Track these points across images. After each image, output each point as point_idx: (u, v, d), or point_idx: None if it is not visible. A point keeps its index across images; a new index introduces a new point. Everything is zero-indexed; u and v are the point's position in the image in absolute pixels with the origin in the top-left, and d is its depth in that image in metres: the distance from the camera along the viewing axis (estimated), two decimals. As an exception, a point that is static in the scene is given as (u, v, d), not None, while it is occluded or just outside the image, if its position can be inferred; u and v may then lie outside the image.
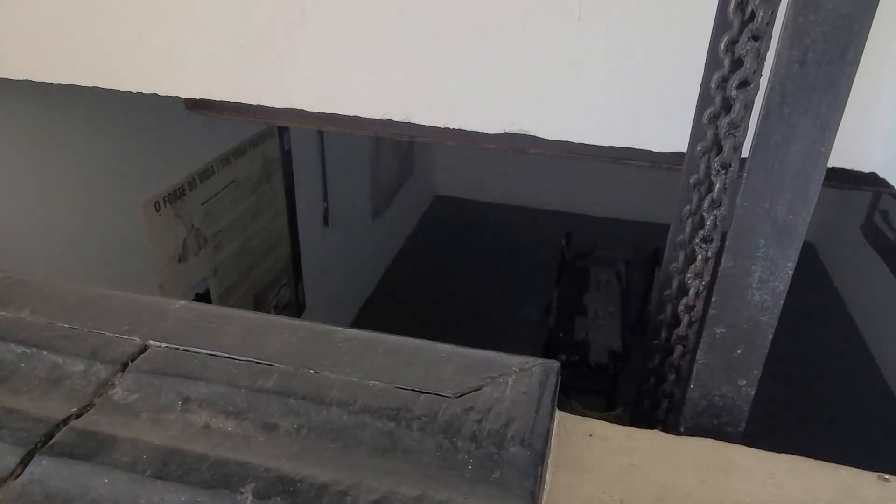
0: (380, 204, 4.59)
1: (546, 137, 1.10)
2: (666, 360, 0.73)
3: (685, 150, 0.83)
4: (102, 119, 1.91)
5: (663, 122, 1.00)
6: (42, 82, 1.31)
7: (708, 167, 0.78)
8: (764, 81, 0.61)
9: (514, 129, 1.10)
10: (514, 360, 0.65)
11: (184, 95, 1.30)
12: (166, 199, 2.33)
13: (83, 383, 0.61)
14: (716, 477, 0.61)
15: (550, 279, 4.09)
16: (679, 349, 0.75)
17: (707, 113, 0.77)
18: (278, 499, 0.50)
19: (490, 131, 1.11)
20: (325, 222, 3.73)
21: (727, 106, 0.74)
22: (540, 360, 0.65)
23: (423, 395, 0.60)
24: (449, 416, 0.58)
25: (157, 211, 2.28)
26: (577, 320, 3.48)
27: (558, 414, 0.66)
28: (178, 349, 0.66)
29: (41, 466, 0.53)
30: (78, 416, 0.58)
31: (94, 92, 1.29)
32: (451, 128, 1.13)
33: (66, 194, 1.80)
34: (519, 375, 0.63)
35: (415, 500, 0.50)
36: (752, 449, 0.64)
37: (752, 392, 0.65)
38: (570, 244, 4.12)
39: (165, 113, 2.15)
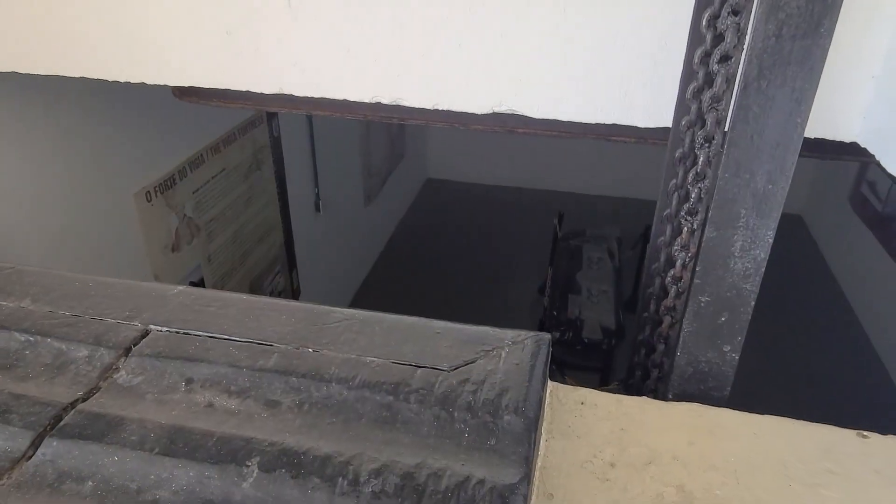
0: (371, 189, 4.59)
1: (534, 116, 1.11)
2: (655, 331, 0.76)
3: (670, 126, 0.84)
4: (91, 111, 1.91)
5: (648, 99, 1.02)
6: (29, 74, 1.31)
7: (692, 141, 0.80)
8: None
9: (501, 108, 1.11)
10: (507, 334, 0.67)
11: (171, 84, 1.30)
12: (157, 188, 2.33)
13: (88, 368, 0.63)
14: (703, 438, 0.64)
15: (544, 259, 4.11)
16: (668, 320, 0.77)
17: (690, 88, 0.79)
18: (283, 471, 0.52)
19: (478, 111, 1.12)
20: (318, 208, 3.74)
21: (710, 81, 0.75)
22: (532, 333, 0.67)
23: (419, 370, 0.62)
24: (445, 388, 0.60)
25: (149, 201, 2.28)
26: (571, 298, 3.51)
27: (550, 384, 0.68)
28: (178, 332, 0.67)
29: (52, 448, 0.55)
30: (85, 399, 0.59)
31: (82, 83, 1.29)
32: (440, 109, 1.14)
33: (56, 187, 1.80)
34: (511, 348, 0.65)
35: (414, 468, 0.53)
36: (737, 411, 0.66)
37: (737, 357, 0.67)
38: (562, 223, 4.15)
39: (154, 102, 2.14)
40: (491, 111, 1.12)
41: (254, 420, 0.57)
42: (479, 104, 1.11)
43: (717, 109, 0.73)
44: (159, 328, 0.68)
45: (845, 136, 0.98)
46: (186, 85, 1.28)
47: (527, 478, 0.52)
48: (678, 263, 0.81)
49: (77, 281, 0.75)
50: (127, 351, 0.65)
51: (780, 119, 0.57)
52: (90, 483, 0.51)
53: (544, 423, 0.64)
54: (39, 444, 0.55)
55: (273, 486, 0.51)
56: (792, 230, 5.28)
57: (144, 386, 0.61)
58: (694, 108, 0.78)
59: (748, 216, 0.61)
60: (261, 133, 3.11)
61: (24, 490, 0.51)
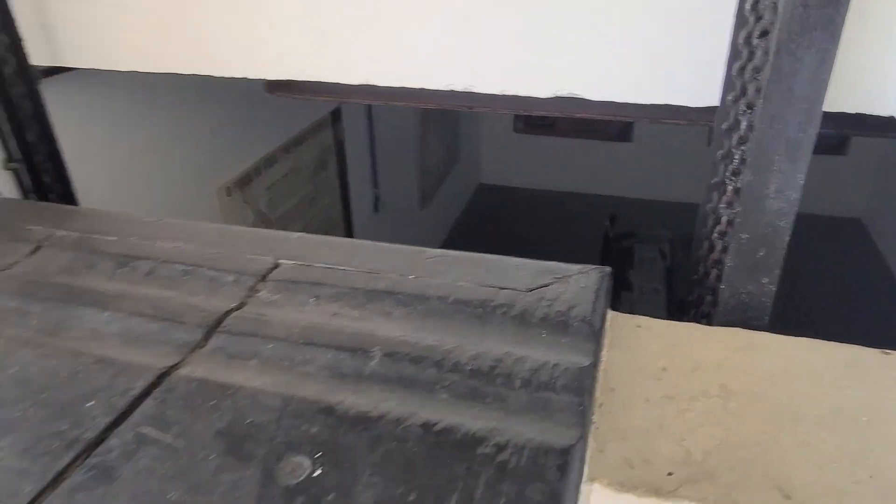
0: (426, 192, 4.76)
1: (592, 98, 1.23)
2: (703, 268, 0.87)
3: (717, 105, 0.96)
4: (183, 109, 2.13)
5: (698, 80, 1.13)
6: (145, 73, 1.51)
7: (737, 112, 0.91)
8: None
9: (563, 92, 1.24)
10: (575, 266, 0.80)
11: (269, 77, 1.48)
12: (236, 184, 2.54)
13: (236, 289, 0.79)
14: (743, 352, 0.75)
15: (595, 260, 4.19)
16: (714, 273, 0.88)
17: (736, 66, 0.90)
18: (401, 354, 0.66)
19: (541, 95, 1.25)
20: (376, 209, 3.93)
21: (751, 55, 0.87)
22: (596, 266, 0.80)
23: (503, 291, 0.76)
24: (524, 303, 0.74)
25: (229, 196, 2.50)
26: (623, 295, 3.58)
27: (610, 312, 0.81)
28: (303, 265, 0.83)
29: (220, 339, 0.70)
30: (238, 308, 0.75)
31: (179, 84, 1.48)
32: (507, 94, 1.28)
33: (151, 179, 2.02)
34: (578, 276, 0.78)
35: (503, 355, 0.66)
36: (773, 334, 0.77)
37: (774, 288, 0.78)
38: (614, 225, 4.22)
39: (236, 104, 2.36)
40: (553, 94, 1.25)
41: (373, 323, 0.72)
42: (542, 88, 1.24)
43: (756, 79, 0.85)
44: (287, 261, 0.84)
45: (883, 111, 1.07)
46: (282, 79, 1.46)
47: (595, 364, 0.65)
48: (724, 219, 0.92)
49: (217, 228, 0.92)
50: (264, 277, 0.81)
51: (807, 76, 0.68)
52: (254, 360, 0.67)
53: (605, 340, 0.76)
54: (210, 337, 0.71)
55: (394, 365, 0.65)
56: (852, 234, 5.19)
57: (281, 301, 0.77)
58: (739, 82, 0.89)
59: (781, 161, 0.72)
60: (326, 136, 3.31)
61: (204, 364, 0.67)
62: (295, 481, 0.53)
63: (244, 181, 2.60)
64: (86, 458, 0.55)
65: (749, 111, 0.88)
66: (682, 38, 1.11)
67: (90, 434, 0.57)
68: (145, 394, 0.62)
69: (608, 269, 0.80)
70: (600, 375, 0.71)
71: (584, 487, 0.59)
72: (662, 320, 0.80)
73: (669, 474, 0.60)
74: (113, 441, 0.57)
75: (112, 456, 0.56)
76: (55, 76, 1.58)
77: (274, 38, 1.37)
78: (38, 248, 0.89)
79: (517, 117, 6.15)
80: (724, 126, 0.93)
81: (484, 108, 1.48)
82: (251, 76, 1.44)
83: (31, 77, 1.43)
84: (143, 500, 0.52)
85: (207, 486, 0.53)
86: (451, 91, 1.32)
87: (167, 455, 0.56)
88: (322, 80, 1.40)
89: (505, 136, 6.09)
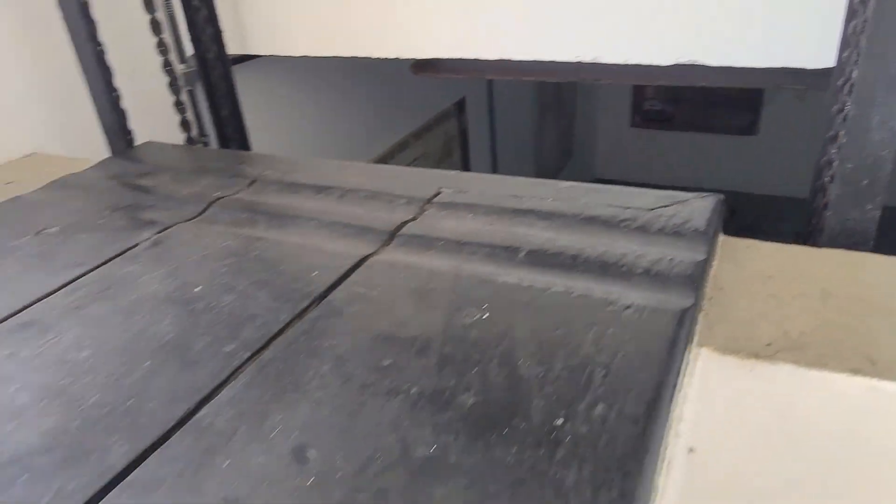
0: (541, 183, 4.89)
1: (712, 64, 1.34)
2: (812, 211, 0.97)
3: (833, 65, 1.04)
4: (336, 92, 2.42)
5: (815, 41, 1.22)
6: (317, 57, 1.77)
7: (850, 65, 1.00)
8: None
9: (683, 59, 1.36)
10: (691, 193, 0.94)
11: (417, 56, 1.70)
12: (375, 164, 2.82)
13: (409, 208, 1.00)
14: (844, 267, 0.85)
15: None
16: (821, 201, 0.98)
17: (851, 25, 0.99)
18: (541, 252, 0.83)
19: (663, 63, 1.38)
20: (494, 196, 4.11)
21: (862, 11, 0.96)
22: (710, 193, 0.93)
23: (627, 210, 0.91)
24: (646, 218, 0.88)
25: (367, 175, 2.77)
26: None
27: (722, 235, 0.93)
28: (460, 191, 1.02)
29: (401, 239, 0.91)
30: (412, 220, 0.96)
31: (337, 66, 1.74)
32: (630, 63, 1.41)
33: (311, 153, 2.32)
34: (695, 200, 0.92)
35: (627, 251, 0.81)
36: (878, 254, 0.87)
37: (878, 214, 0.87)
38: (733, 221, 4.14)
39: (379, 91, 2.64)
40: (674, 62, 1.37)
41: (519, 231, 0.89)
42: (664, 56, 1.37)
43: (865, 31, 0.94)
44: (447, 189, 1.03)
45: None
46: (428, 58, 1.67)
47: (707, 260, 0.79)
48: (835, 163, 1.01)
49: (388, 168, 1.14)
50: (429, 200, 1.01)
51: (909, 17, 0.78)
52: (429, 251, 0.86)
53: (717, 253, 0.89)
54: (393, 238, 0.91)
55: (537, 257, 0.83)
56: None
57: (446, 215, 0.96)
58: (853, 40, 0.99)
59: (884, 95, 0.82)
60: (451, 126, 3.55)
61: (392, 253, 0.87)
62: (470, 320, 0.71)
63: (381, 162, 2.86)
64: (318, 304, 0.77)
65: (857, 60, 0.98)
66: (802, 2, 1.20)
67: (319, 289, 0.79)
68: (353, 269, 0.84)
69: (721, 196, 0.93)
70: (710, 280, 0.85)
71: (693, 351, 0.73)
72: (772, 243, 0.92)
73: (768, 345, 0.73)
74: (336, 294, 0.79)
75: (336, 302, 0.77)
76: (242, 63, 1.90)
77: (422, 19, 1.59)
78: (253, 182, 1.14)
79: (634, 111, 6.13)
80: (839, 82, 1.03)
81: (610, 80, 1.62)
82: (403, 56, 1.67)
83: (227, 62, 1.75)
84: (361, 328, 0.72)
85: (407, 322, 0.73)
86: (579, 63, 1.48)
87: (374, 303, 0.76)
88: (463, 58, 1.60)
89: (621, 131, 6.09)
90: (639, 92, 6.08)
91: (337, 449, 0.56)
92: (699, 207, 0.90)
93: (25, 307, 0.82)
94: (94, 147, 1.62)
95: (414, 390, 0.62)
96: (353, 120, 2.54)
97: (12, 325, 0.78)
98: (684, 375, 0.68)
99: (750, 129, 5.73)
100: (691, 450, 0.77)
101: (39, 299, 0.83)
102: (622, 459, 0.53)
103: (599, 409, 0.58)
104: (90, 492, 0.54)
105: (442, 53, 1.60)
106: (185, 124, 1.79)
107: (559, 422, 0.57)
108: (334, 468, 0.54)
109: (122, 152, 1.43)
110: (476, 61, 1.59)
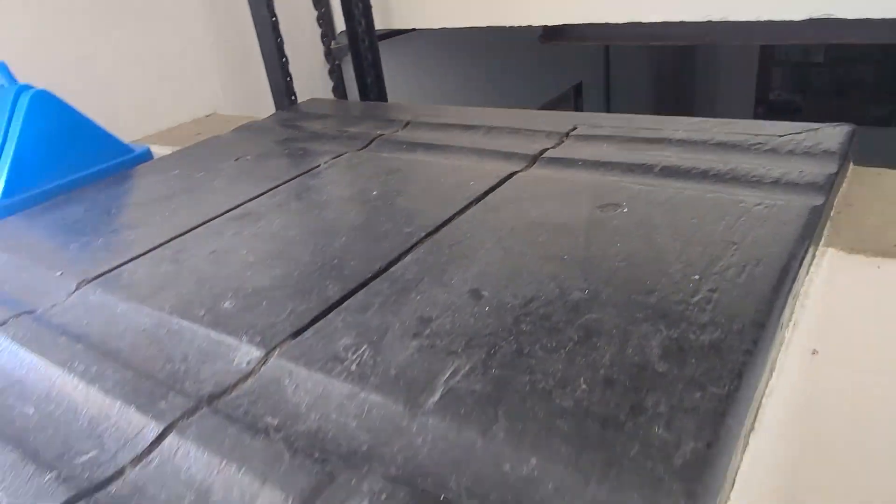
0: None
1: (847, 17, 1.36)
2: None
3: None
4: (467, 65, 2.58)
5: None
6: (452, 28, 1.92)
7: None
8: None
9: (817, 13, 1.38)
10: (824, 124, 0.99)
11: (546, 23, 1.81)
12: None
13: (548, 139, 1.11)
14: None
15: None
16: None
17: None
18: (675, 168, 0.92)
19: (796, 18, 1.40)
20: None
21: None
22: (844, 123, 0.98)
23: (757, 136, 0.98)
24: (776, 143, 0.95)
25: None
26: None
27: (853, 165, 0.98)
28: (595, 126, 1.13)
29: (543, 162, 1.03)
30: (552, 148, 1.07)
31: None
32: (762, 20, 1.45)
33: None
34: (826, 128, 0.97)
35: (758, 166, 0.89)
36: None
37: None
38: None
39: (502, 73, 2.77)
40: (807, 17, 1.40)
41: (653, 155, 0.99)
42: (796, 10, 1.40)
43: None
44: (582, 125, 1.14)
45: None
46: (558, 24, 1.77)
47: (837, 174, 0.85)
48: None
49: (525, 111, 1.26)
50: (567, 134, 1.12)
51: None
52: (569, 169, 0.98)
53: (847, 178, 0.94)
54: (535, 161, 1.03)
55: (671, 172, 0.92)
56: None
57: (582, 145, 1.07)
58: None
59: None
60: (568, 109, 3.61)
61: (537, 171, 0.99)
62: (611, 213, 0.82)
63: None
64: (476, 203, 0.91)
65: None
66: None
67: (476, 194, 0.93)
68: (504, 181, 0.97)
69: (853, 126, 0.97)
70: (840, 197, 0.90)
71: (819, 250, 0.80)
72: (902, 171, 0.95)
73: (895, 245, 0.78)
74: (490, 197, 0.92)
75: (492, 202, 0.90)
76: (386, 39, 2.09)
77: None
78: (407, 124, 1.30)
79: (758, 103, 5.88)
80: None
81: (739, 41, 1.66)
82: (534, 23, 1.78)
83: (374, 35, 1.94)
84: (516, 218, 0.85)
85: (555, 213, 0.84)
86: (709, 22, 1.53)
87: (525, 202, 0.89)
88: (591, 22, 1.68)
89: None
90: (763, 81, 5.83)
91: (505, 290, 0.69)
92: (831, 134, 0.95)
93: (239, 205, 1.02)
94: (259, 108, 1.87)
95: (566, 257, 0.74)
96: (478, 97, 2.69)
97: (232, 216, 0.98)
98: (809, 270, 0.75)
99: (890, 119, 5.34)
100: (814, 351, 0.83)
101: (249, 200, 1.03)
102: (754, 307, 0.62)
103: (731, 272, 0.67)
104: (315, 312, 0.70)
105: (571, 19, 1.70)
106: (336, 90, 2.01)
107: (696, 277, 0.67)
108: (504, 302, 0.67)
109: (289, 108, 1.64)
110: (605, 26, 1.67)
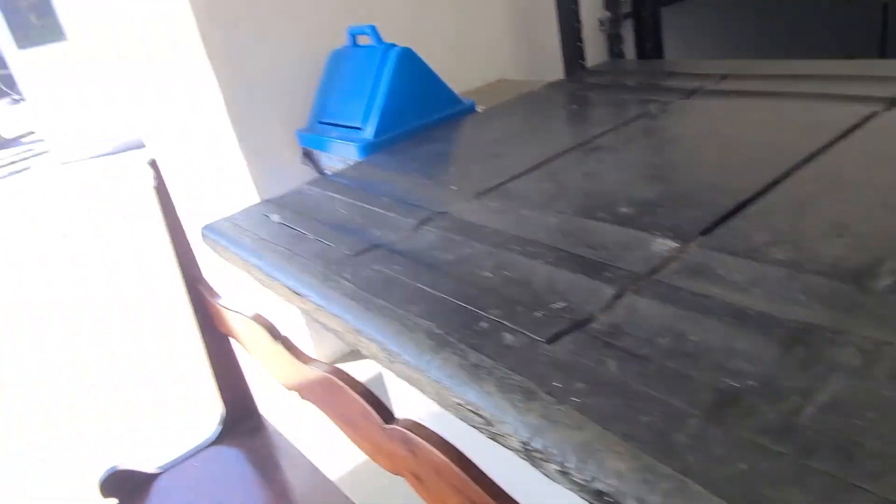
0: None
1: None
2: None
3: None
4: (739, 36, 2.51)
5: None
6: None
7: None
8: None
9: None
10: None
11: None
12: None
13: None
14: None
15: None
16: None
17: None
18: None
19: None
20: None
21: None
22: None
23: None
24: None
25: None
26: None
27: None
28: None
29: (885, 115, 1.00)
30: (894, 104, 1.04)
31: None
32: None
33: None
34: None
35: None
36: None
37: None
38: None
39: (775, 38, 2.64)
40: None
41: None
42: None
43: None
44: (940, 72, 1.09)
45: None
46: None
47: None
48: None
49: (845, 62, 1.23)
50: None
51: None
52: None
53: None
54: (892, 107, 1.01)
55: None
56: None
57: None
58: None
59: None
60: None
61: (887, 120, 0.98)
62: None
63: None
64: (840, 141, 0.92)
65: None
66: None
67: (844, 126, 0.94)
68: (864, 121, 0.97)
69: None
70: None
71: None
72: None
73: None
74: (859, 131, 0.93)
75: (860, 138, 0.92)
76: (670, 6, 2.11)
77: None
78: (725, 77, 1.33)
79: None
80: None
81: None
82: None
83: (657, 1, 1.97)
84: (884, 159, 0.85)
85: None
86: None
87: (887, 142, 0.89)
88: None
89: None
90: None
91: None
92: None
93: (588, 140, 1.13)
94: (542, 73, 2.00)
95: (978, 181, 0.74)
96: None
97: (585, 149, 1.10)
98: None
99: None
100: None
101: (596, 136, 1.14)
102: None
103: None
104: (715, 216, 0.78)
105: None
106: (613, 55, 2.08)
107: None
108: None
109: (582, 70, 1.75)
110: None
